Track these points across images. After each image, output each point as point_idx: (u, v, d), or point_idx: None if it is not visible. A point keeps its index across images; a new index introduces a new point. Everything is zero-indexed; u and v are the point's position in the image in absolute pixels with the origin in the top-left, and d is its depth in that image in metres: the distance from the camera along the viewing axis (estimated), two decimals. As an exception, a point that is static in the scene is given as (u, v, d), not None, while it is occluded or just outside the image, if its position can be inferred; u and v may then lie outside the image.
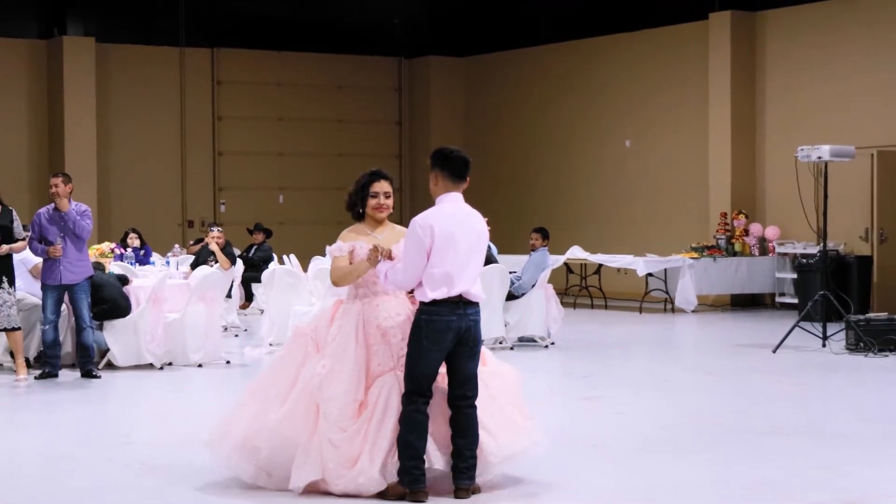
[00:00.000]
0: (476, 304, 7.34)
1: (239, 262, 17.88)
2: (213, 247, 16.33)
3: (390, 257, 7.36)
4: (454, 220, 7.29)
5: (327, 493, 7.28)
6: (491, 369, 7.72)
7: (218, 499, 7.47)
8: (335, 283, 7.61)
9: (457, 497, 7.24)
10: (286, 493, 7.38)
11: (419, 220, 7.26)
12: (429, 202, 7.51)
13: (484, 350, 7.77)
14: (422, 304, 7.25)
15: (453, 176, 7.40)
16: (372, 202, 7.64)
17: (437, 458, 7.32)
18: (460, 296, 7.23)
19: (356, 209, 7.71)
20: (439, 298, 7.18)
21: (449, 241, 7.20)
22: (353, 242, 7.54)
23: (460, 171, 7.41)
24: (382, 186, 7.64)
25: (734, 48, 20.95)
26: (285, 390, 7.50)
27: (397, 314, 7.42)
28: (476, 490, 7.35)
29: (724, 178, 21.09)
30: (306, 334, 7.67)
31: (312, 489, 7.32)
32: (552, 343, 15.34)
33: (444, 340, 7.18)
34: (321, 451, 7.27)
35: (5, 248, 12.10)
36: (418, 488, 7.18)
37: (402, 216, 23.12)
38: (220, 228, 17.15)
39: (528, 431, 7.62)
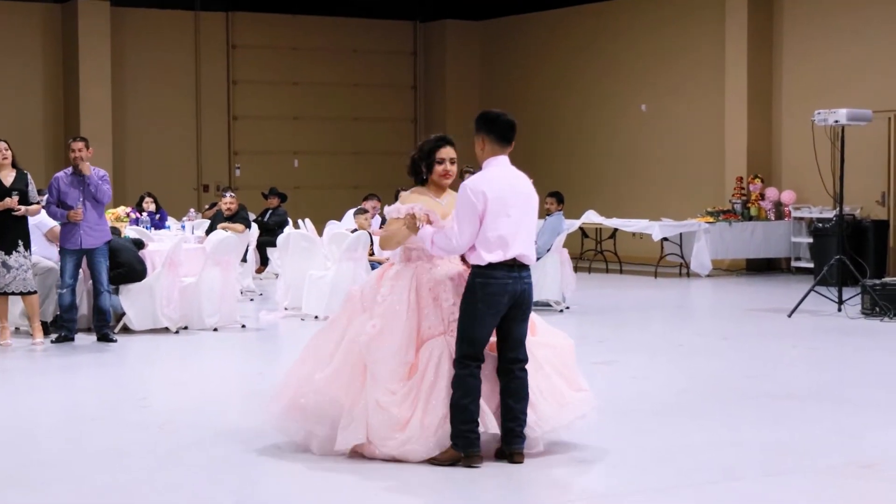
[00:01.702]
0: (528, 267, 7.32)
1: (254, 226, 17.90)
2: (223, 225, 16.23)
3: (429, 222, 7.31)
4: (504, 183, 7.26)
5: (368, 458, 7.21)
6: (540, 339, 7.65)
7: (234, 460, 7.50)
8: (381, 246, 7.62)
9: (514, 461, 7.21)
10: (303, 456, 7.43)
11: (469, 184, 7.20)
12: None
13: (535, 318, 7.69)
14: (476, 267, 7.19)
15: (500, 140, 7.37)
16: (438, 168, 7.54)
17: (491, 422, 7.26)
18: (514, 259, 7.21)
19: (420, 175, 7.62)
20: (496, 262, 7.15)
21: (501, 205, 7.17)
22: (412, 205, 7.42)
23: (507, 135, 7.37)
24: (448, 153, 7.56)
25: (751, 11, 20.80)
26: (331, 351, 7.47)
27: (450, 278, 7.40)
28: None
29: (740, 142, 21.00)
30: (355, 297, 7.63)
31: (357, 452, 7.29)
32: (567, 307, 15.35)
33: (499, 304, 7.15)
34: (367, 414, 7.22)
35: (23, 209, 12.12)
36: (473, 452, 7.11)
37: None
38: (232, 194, 17.16)
39: (575, 404, 7.56)
